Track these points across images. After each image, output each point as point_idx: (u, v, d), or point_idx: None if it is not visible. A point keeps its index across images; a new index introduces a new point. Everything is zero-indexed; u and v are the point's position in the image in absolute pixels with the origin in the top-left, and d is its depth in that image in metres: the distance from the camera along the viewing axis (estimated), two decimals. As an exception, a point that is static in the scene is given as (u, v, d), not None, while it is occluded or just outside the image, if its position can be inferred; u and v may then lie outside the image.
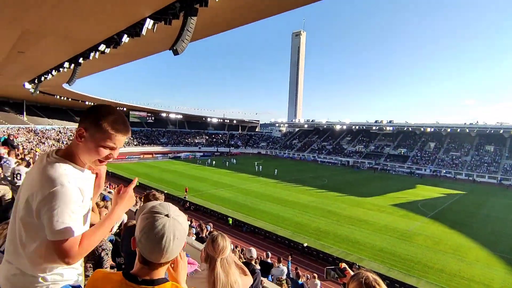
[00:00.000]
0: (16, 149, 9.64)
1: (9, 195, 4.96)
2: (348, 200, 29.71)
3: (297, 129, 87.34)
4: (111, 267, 3.22)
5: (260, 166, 50.28)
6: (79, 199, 1.25)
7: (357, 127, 74.04)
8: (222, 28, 13.73)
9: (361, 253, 17.29)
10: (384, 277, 13.60)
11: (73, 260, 1.20)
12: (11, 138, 12.44)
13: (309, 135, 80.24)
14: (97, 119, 1.28)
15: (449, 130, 60.56)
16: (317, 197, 30.67)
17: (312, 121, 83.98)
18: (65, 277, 1.36)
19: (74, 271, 1.42)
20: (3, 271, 1.28)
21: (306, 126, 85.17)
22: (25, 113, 56.88)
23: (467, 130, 58.28)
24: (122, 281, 0.94)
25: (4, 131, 32.90)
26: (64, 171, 1.23)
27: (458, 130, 59.38)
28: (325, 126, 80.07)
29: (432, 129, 62.96)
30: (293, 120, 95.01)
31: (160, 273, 0.98)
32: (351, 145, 70.05)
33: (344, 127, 75.57)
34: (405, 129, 66.54)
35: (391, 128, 68.41)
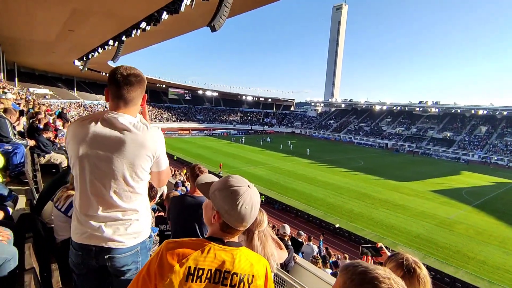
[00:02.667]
0: (69, 122, 10.47)
1: (65, 163, 5.47)
2: (384, 184, 28.72)
3: (333, 109, 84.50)
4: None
5: (292, 145, 49.99)
6: None
7: (398, 108, 69.77)
8: (259, 2, 13.38)
9: (396, 238, 16.87)
10: (419, 264, 13.22)
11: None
12: (65, 112, 13.52)
13: (346, 115, 77.41)
14: (145, 82, 1.56)
15: (505, 113, 54.75)
16: (352, 179, 30.01)
17: (350, 100, 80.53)
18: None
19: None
20: (100, 221, 1.45)
21: (343, 106, 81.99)
22: (75, 88, 61.17)
23: (527, 114, 52.41)
24: (210, 244, 1.04)
25: (58, 105, 35.81)
26: (147, 124, 1.55)
27: (516, 113, 53.54)
28: (363, 106, 76.54)
29: (485, 112, 57.34)
30: (330, 100, 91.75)
31: (237, 237, 1.12)
32: (391, 126, 66.61)
33: (384, 107, 71.61)
34: (453, 111, 61.44)
35: (436, 110, 63.57)
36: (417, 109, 66.19)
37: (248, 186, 1.08)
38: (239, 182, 1.08)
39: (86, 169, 1.42)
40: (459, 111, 60.84)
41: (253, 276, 1.03)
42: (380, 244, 1.86)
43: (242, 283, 1.01)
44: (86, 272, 1.54)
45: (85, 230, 1.44)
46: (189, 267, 0.98)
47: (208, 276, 0.99)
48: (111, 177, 1.42)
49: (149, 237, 1.63)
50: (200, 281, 0.98)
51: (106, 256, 1.46)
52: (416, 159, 48.12)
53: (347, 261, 9.15)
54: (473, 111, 59.04)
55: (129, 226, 1.49)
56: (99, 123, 1.43)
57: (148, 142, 1.45)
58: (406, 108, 68.33)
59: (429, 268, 13.29)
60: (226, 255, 1.03)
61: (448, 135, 57.31)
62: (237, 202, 1.03)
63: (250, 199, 1.05)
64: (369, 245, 1.88)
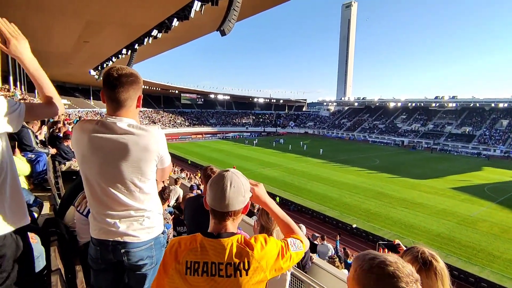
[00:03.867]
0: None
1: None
2: (401, 182, 28.09)
3: (346, 108, 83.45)
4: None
5: (305, 145, 49.66)
6: None
7: (413, 104, 68.21)
8: (268, 4, 13.43)
9: (415, 237, 16.44)
10: (441, 263, 12.84)
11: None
12: (82, 120, 13.95)
13: (360, 114, 76.26)
14: (140, 82, 1.53)
15: (527, 105, 52.69)
16: (368, 178, 29.50)
17: (363, 98, 79.35)
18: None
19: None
20: (115, 218, 1.50)
21: (356, 104, 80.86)
22: (91, 97, 62.98)
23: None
24: (202, 238, 1.10)
25: (76, 114, 36.98)
26: (145, 125, 1.52)
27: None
28: (377, 104, 75.26)
29: (506, 105, 55.24)
30: (342, 98, 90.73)
31: (229, 227, 1.12)
32: (407, 123, 65.13)
33: (399, 104, 70.17)
34: (471, 105, 59.50)
35: (454, 105, 61.78)
36: (434, 104, 64.54)
37: (227, 170, 1.13)
38: (223, 170, 1.16)
39: (93, 173, 1.46)
40: (478, 104, 58.85)
41: (248, 262, 1.03)
42: (397, 241, 1.84)
43: (238, 271, 1.02)
44: (103, 267, 1.60)
45: (102, 226, 1.50)
46: (186, 262, 1.04)
47: (205, 269, 1.03)
48: (119, 180, 1.45)
49: (162, 233, 1.66)
50: (198, 275, 1.03)
51: (122, 250, 1.51)
52: (434, 156, 46.84)
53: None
54: (493, 104, 57.02)
55: (143, 222, 1.53)
56: (98, 128, 1.44)
57: (151, 145, 1.46)
58: (422, 104, 66.72)
59: (452, 268, 12.94)
60: (217, 247, 1.06)
61: (467, 130, 55.51)
62: (213, 180, 1.11)
63: (228, 179, 1.09)
64: (386, 242, 1.86)
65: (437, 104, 63.99)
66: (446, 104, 62.66)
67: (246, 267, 1.03)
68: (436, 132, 58.36)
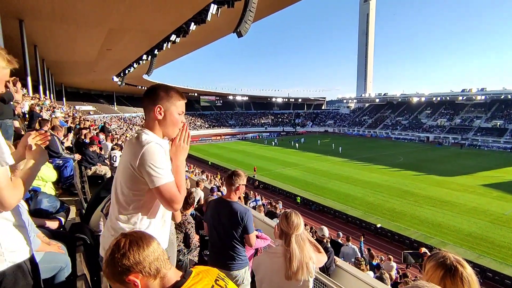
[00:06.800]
0: (111, 135, 11.19)
1: (109, 174, 5.83)
2: (428, 180, 27.02)
3: (367, 104, 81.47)
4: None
5: (325, 144, 48.95)
6: (164, 154, 1.45)
7: (438, 98, 65.42)
8: (283, 4, 13.35)
9: (444, 237, 15.76)
10: (472, 264, 12.15)
11: (179, 204, 1.44)
12: (107, 126, 14.47)
13: (381, 110, 74.19)
14: (168, 95, 1.50)
15: None
16: (391, 176, 28.61)
17: (385, 94, 77.11)
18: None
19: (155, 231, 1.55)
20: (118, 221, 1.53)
21: (377, 100, 78.71)
22: (115, 103, 65.32)
23: None
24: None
25: (101, 120, 38.46)
26: (148, 136, 1.45)
27: None
28: (399, 100, 72.89)
29: (541, 95, 51.94)
30: (363, 95, 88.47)
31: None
32: (432, 118, 62.62)
33: (423, 99, 67.56)
34: (502, 97, 56.24)
35: (482, 97, 58.68)
36: (460, 98, 61.65)
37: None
38: None
39: None
40: (509, 96, 55.54)
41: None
42: (423, 250, 1.74)
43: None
44: None
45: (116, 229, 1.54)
46: None
47: None
48: (115, 185, 1.52)
49: None
50: None
51: None
52: (462, 151, 44.73)
53: (392, 263, 8.71)
54: (526, 95, 53.67)
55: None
56: None
57: (132, 154, 1.42)
58: (448, 98, 63.88)
59: (484, 269, 12.30)
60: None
61: (498, 123, 52.54)
62: None
63: None
64: (412, 251, 1.77)
65: (464, 97, 61.05)
66: (474, 97, 59.67)
67: None
68: (464, 127, 55.69)
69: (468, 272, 1.16)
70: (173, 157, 1.53)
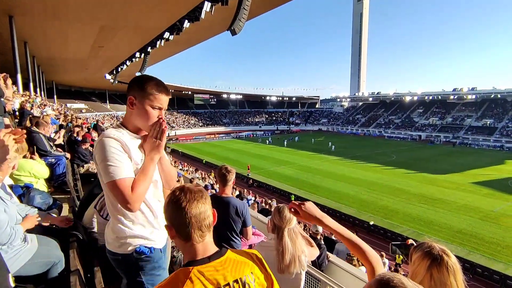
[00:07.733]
0: (103, 133, 11.06)
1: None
2: (420, 178, 27.38)
3: (360, 103, 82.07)
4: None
5: (318, 143, 49.13)
6: (120, 149, 1.37)
7: (430, 97, 66.20)
8: (277, 2, 13.35)
9: (436, 234, 16.00)
10: (463, 260, 12.45)
11: (131, 204, 1.32)
12: (99, 124, 14.31)
13: (374, 109, 74.86)
14: (142, 85, 1.43)
15: (553, 94, 50.21)
16: (384, 174, 28.92)
17: (378, 93, 77.75)
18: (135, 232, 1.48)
19: (143, 229, 1.50)
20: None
21: (370, 99, 79.36)
22: (108, 101, 64.59)
23: None
24: (188, 271, 0.96)
25: (93, 118, 38.02)
26: (108, 131, 1.41)
27: None
28: (392, 98, 73.60)
29: (529, 94, 52.92)
30: (356, 94, 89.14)
31: (205, 248, 1.10)
32: (424, 117, 63.39)
33: (415, 98, 68.32)
34: (492, 96, 57.17)
35: (473, 97, 59.55)
36: (452, 97, 62.48)
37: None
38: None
39: None
40: (499, 96, 56.51)
41: (251, 272, 1.01)
42: (410, 241, 1.79)
43: (247, 285, 0.97)
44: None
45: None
46: None
47: None
48: None
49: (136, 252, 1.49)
50: None
51: None
52: (453, 150, 45.41)
53: (384, 259, 8.82)
54: (515, 95, 54.65)
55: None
56: None
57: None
58: (439, 97, 64.73)
59: (474, 265, 12.55)
60: (215, 271, 0.96)
61: (488, 122, 53.50)
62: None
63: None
64: (399, 243, 1.82)
65: (456, 97, 61.92)
66: (465, 96, 60.55)
67: (253, 278, 1.01)
68: (455, 126, 56.56)
69: (453, 261, 1.21)
70: (146, 153, 1.48)
